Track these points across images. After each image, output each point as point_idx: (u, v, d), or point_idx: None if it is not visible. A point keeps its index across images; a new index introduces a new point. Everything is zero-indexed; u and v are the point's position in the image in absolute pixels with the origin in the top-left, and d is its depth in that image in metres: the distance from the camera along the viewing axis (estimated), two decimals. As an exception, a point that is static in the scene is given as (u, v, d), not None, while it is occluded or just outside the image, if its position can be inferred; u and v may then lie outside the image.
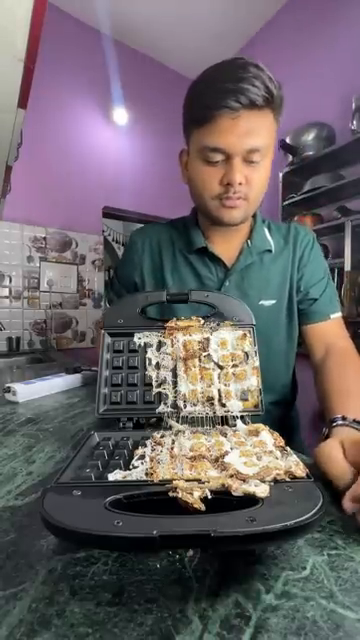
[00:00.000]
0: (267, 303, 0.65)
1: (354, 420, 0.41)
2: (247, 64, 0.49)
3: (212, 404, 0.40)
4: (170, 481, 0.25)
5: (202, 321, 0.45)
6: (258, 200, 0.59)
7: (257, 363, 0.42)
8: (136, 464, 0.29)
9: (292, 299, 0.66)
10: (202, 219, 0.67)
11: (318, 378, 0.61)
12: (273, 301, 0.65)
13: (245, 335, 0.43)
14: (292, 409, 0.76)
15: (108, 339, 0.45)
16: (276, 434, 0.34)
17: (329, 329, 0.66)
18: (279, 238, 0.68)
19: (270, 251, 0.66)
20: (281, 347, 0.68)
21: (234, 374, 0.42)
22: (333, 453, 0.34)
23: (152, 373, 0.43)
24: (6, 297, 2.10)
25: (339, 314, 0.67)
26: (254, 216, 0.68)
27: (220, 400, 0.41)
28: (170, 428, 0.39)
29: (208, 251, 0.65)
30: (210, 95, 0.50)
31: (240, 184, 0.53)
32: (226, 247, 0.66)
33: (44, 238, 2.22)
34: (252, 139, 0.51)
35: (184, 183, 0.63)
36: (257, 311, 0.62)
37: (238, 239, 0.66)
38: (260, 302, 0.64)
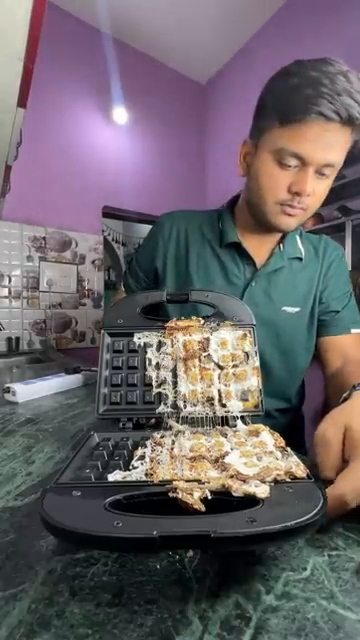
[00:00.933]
0: (290, 310, 0.64)
1: None
2: (350, 72, 0.45)
3: (212, 404, 0.40)
4: (170, 482, 0.25)
5: (202, 321, 0.45)
6: (313, 212, 0.58)
7: (257, 363, 0.42)
8: (136, 464, 0.29)
9: (314, 310, 0.66)
10: (243, 215, 0.64)
11: (332, 382, 0.60)
12: (297, 309, 0.64)
13: (245, 335, 0.43)
14: (297, 413, 0.76)
15: (108, 339, 0.45)
16: (276, 434, 0.34)
17: (349, 342, 0.64)
18: (309, 247, 0.67)
19: (300, 259, 0.65)
20: (298, 355, 0.67)
21: (234, 374, 0.42)
22: (327, 435, 0.32)
23: (152, 373, 0.43)
24: (6, 297, 2.10)
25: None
26: None
27: (220, 400, 0.40)
28: (170, 428, 0.39)
29: (241, 247, 0.63)
30: (309, 96, 0.45)
31: (308, 195, 0.52)
32: (258, 248, 0.64)
33: (44, 238, 2.22)
34: (332, 154, 0.49)
35: (241, 175, 0.60)
36: (279, 317, 0.63)
37: (270, 242, 0.65)
38: (283, 308, 0.63)
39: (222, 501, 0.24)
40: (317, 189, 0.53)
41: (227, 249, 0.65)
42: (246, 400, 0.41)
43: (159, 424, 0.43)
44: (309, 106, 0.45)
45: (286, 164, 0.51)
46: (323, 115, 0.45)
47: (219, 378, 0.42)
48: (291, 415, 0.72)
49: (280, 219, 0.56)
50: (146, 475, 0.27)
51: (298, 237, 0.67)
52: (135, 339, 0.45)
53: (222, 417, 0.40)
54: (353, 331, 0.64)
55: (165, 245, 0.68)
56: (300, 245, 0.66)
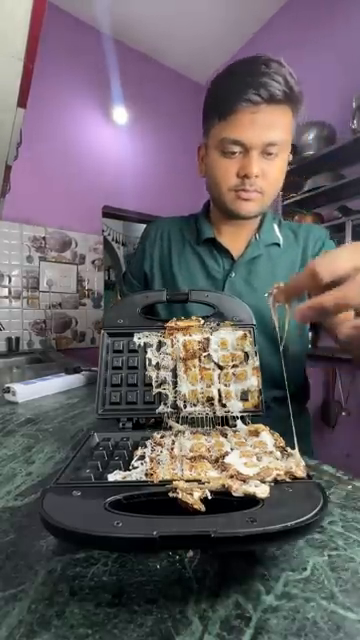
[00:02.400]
0: None
1: None
2: (269, 60, 0.50)
3: (212, 404, 0.40)
4: (170, 482, 0.25)
5: (202, 321, 0.45)
6: (273, 194, 0.59)
7: (257, 363, 0.42)
8: (136, 464, 0.29)
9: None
10: (214, 212, 0.68)
11: None
12: None
13: (245, 335, 0.43)
14: (302, 413, 0.75)
15: (108, 339, 0.45)
16: (276, 434, 0.34)
17: None
18: (289, 233, 0.68)
19: (278, 245, 0.66)
20: (289, 339, 0.67)
21: (234, 374, 0.42)
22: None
23: (152, 373, 0.43)
24: (6, 297, 2.10)
25: None
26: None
27: (220, 400, 0.40)
28: (170, 428, 0.39)
29: (216, 242, 0.66)
30: (232, 89, 0.51)
31: (257, 177, 0.54)
32: (234, 240, 0.67)
33: (44, 238, 2.22)
34: (271, 133, 0.52)
35: (201, 177, 0.65)
36: (263, 304, 0.63)
37: (247, 233, 0.67)
38: (266, 294, 0.65)
39: (222, 501, 0.24)
40: (267, 170, 0.55)
41: (205, 246, 0.68)
42: (246, 400, 0.40)
43: (159, 424, 0.43)
44: (236, 96, 0.50)
45: (230, 152, 0.54)
46: (249, 100, 0.50)
47: (219, 378, 0.42)
48: (292, 407, 0.70)
49: (237, 205, 0.58)
50: (146, 475, 0.27)
51: (276, 225, 0.69)
52: (135, 339, 0.45)
53: (222, 417, 0.40)
54: None
55: (151, 250, 0.73)
56: (277, 232, 0.68)
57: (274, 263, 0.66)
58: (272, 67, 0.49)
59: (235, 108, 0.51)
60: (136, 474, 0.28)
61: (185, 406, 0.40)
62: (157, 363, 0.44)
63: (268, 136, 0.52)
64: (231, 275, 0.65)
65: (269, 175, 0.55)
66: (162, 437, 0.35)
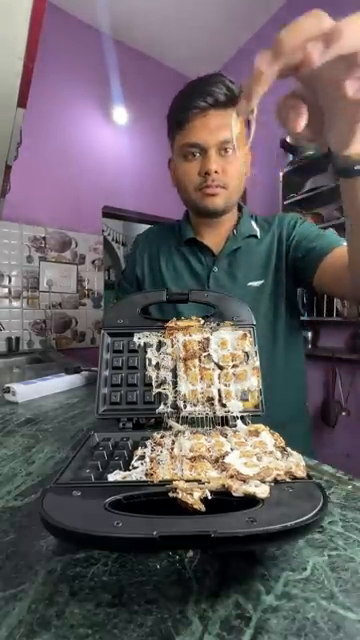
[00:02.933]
0: (255, 284, 0.68)
1: None
2: (212, 75, 0.61)
3: (212, 404, 0.40)
4: (170, 482, 0.25)
5: (202, 321, 0.45)
6: (237, 188, 0.65)
7: (257, 363, 0.42)
8: (136, 464, 0.29)
9: (279, 278, 0.69)
10: (192, 215, 0.75)
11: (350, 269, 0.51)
12: (261, 281, 0.68)
13: (245, 335, 0.43)
14: (301, 413, 0.74)
15: (108, 339, 0.45)
16: (276, 434, 0.34)
17: (340, 253, 0.57)
18: (264, 224, 0.73)
19: (255, 236, 0.71)
20: (276, 323, 0.68)
21: (234, 374, 0.42)
22: None
23: (152, 373, 0.43)
24: (6, 297, 2.09)
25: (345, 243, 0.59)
26: (240, 209, 0.74)
27: (220, 400, 0.40)
28: (170, 428, 0.39)
29: (197, 241, 0.72)
30: (183, 101, 0.61)
31: (216, 172, 0.60)
32: (214, 238, 0.72)
33: (44, 238, 2.21)
34: (222, 133, 0.59)
35: (173, 186, 0.72)
36: (247, 293, 0.67)
37: (225, 230, 0.72)
38: (249, 284, 0.68)
39: (222, 501, 0.24)
40: (227, 167, 0.61)
41: (188, 246, 0.74)
42: (246, 400, 0.40)
43: (159, 424, 0.43)
44: (187, 105, 0.59)
45: (190, 154, 0.62)
46: (196, 107, 0.58)
47: (219, 378, 0.42)
48: (286, 395, 0.68)
49: (205, 201, 0.64)
50: (146, 475, 0.27)
51: (253, 221, 0.73)
52: (135, 339, 0.45)
53: (222, 417, 0.40)
54: (337, 249, 0.59)
55: (141, 256, 0.79)
56: (254, 226, 0.72)
57: (252, 253, 0.70)
58: (213, 78, 0.59)
59: (188, 116, 0.59)
60: (136, 474, 0.28)
61: (185, 406, 0.40)
62: (157, 363, 0.44)
63: (220, 135, 0.59)
64: (214, 270, 0.69)
65: (229, 171, 0.61)
66: (162, 437, 0.35)
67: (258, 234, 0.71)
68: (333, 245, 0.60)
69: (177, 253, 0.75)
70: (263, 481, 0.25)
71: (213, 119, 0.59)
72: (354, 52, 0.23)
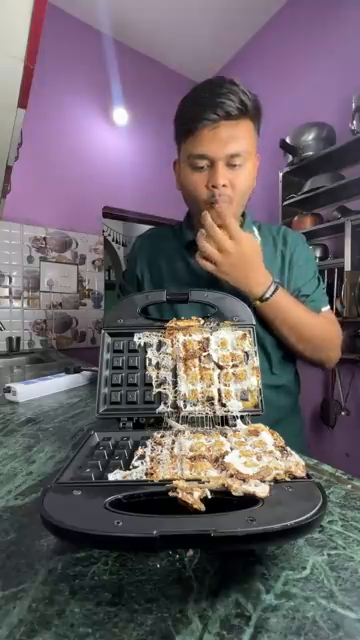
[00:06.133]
0: None
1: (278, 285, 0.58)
2: (224, 81, 0.57)
3: (212, 404, 0.40)
4: (170, 481, 0.25)
5: (202, 321, 0.45)
6: (242, 202, 0.65)
7: (257, 363, 0.42)
8: (136, 464, 0.29)
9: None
10: (195, 218, 0.72)
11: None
12: None
13: (245, 335, 0.43)
14: (293, 410, 0.75)
15: (108, 339, 0.45)
16: (276, 434, 0.34)
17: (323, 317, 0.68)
18: (267, 234, 0.73)
19: None
20: (260, 334, 0.68)
21: (234, 374, 0.42)
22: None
23: (152, 373, 0.43)
24: (6, 297, 2.10)
25: (328, 307, 0.71)
26: (244, 215, 0.73)
27: (220, 400, 0.40)
28: (170, 428, 0.39)
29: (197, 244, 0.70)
30: (192, 111, 0.58)
31: (224, 186, 0.59)
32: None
33: (44, 238, 2.22)
34: (232, 145, 0.57)
35: (178, 189, 0.70)
36: (243, 299, 0.67)
37: None
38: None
39: (222, 500, 0.24)
40: (235, 180, 0.60)
41: (189, 249, 0.72)
42: (246, 400, 0.41)
43: (159, 423, 0.43)
44: (198, 116, 0.57)
45: (198, 166, 0.60)
46: (206, 119, 0.56)
47: (219, 378, 0.42)
48: (283, 397, 0.72)
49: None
50: (146, 474, 0.27)
51: (255, 228, 0.73)
52: (135, 339, 0.45)
53: (222, 417, 0.40)
54: (323, 309, 0.69)
55: (142, 257, 0.79)
56: (257, 234, 0.72)
57: None
58: (226, 87, 0.56)
59: (197, 126, 0.57)
60: (136, 473, 0.28)
61: (185, 406, 0.40)
62: (157, 363, 0.44)
63: (230, 148, 0.57)
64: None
65: (237, 185, 0.60)
66: (162, 437, 0.35)
67: (259, 242, 0.69)
68: (320, 307, 0.68)
69: (178, 256, 0.74)
70: (263, 480, 0.25)
71: (224, 131, 0.57)
72: None
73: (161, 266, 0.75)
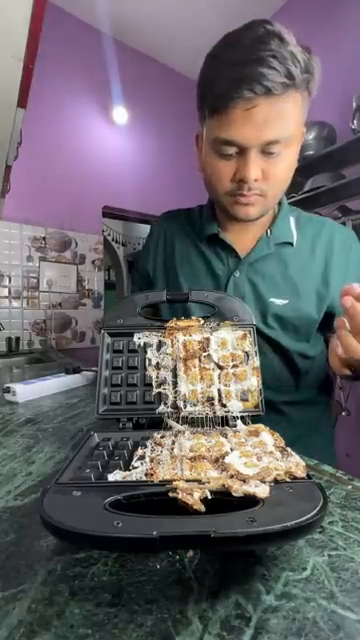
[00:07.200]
0: (278, 302, 0.58)
1: None
2: (269, 36, 0.41)
3: (212, 404, 0.40)
4: (170, 482, 0.25)
5: (202, 321, 0.45)
6: (277, 196, 0.54)
7: (257, 363, 0.42)
8: (136, 464, 0.29)
9: (309, 302, 0.58)
10: (218, 209, 0.63)
11: None
12: (285, 301, 0.58)
13: (245, 335, 0.43)
14: (324, 418, 0.68)
15: (108, 339, 0.45)
16: (276, 434, 0.34)
17: None
18: (307, 232, 0.60)
19: (291, 244, 0.59)
20: (286, 347, 0.60)
21: (234, 374, 0.42)
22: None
23: (152, 373, 0.43)
24: (5, 297, 2.09)
25: None
26: (280, 203, 0.61)
27: (220, 400, 0.40)
28: (170, 428, 0.39)
29: (219, 239, 0.60)
30: (223, 82, 0.43)
31: (256, 180, 0.48)
32: (241, 237, 0.61)
33: (43, 238, 2.21)
34: (270, 130, 0.44)
35: (199, 171, 0.57)
36: (267, 308, 0.58)
37: (257, 229, 0.60)
38: (270, 299, 0.58)
39: (222, 501, 0.24)
40: (269, 171, 0.48)
41: (208, 243, 0.63)
42: (246, 400, 0.40)
43: (159, 424, 0.43)
44: (227, 92, 0.43)
45: (225, 153, 0.48)
46: (240, 97, 0.42)
47: (219, 378, 0.42)
48: (307, 411, 0.64)
49: (236, 209, 0.53)
50: (146, 475, 0.27)
51: (293, 219, 0.61)
52: (135, 339, 0.45)
53: (222, 417, 0.40)
54: None
55: (154, 251, 0.70)
56: (293, 229, 0.60)
57: (285, 265, 0.59)
58: (270, 48, 0.41)
59: (227, 105, 0.43)
60: (136, 474, 0.28)
61: (185, 406, 0.40)
62: (157, 363, 0.44)
63: (267, 134, 0.44)
64: (235, 275, 0.59)
65: (271, 177, 0.48)
66: (162, 437, 0.35)
67: (294, 241, 0.59)
68: None
69: (195, 250, 0.64)
70: (263, 481, 0.25)
71: (262, 111, 0.43)
72: None
73: (176, 264, 0.66)
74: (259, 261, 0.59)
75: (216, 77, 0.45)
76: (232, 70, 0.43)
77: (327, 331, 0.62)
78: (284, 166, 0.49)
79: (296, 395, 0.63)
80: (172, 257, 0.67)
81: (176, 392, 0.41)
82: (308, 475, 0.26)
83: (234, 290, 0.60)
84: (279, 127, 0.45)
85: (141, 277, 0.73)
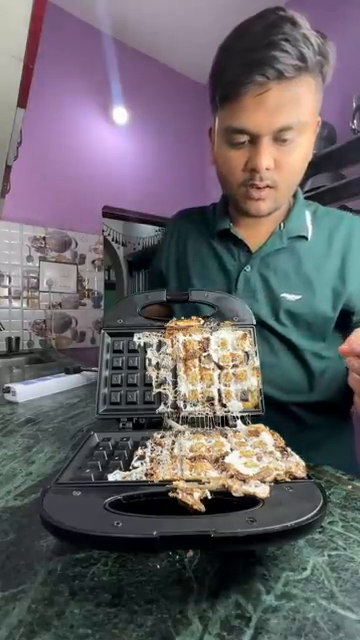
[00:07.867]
0: (290, 297, 0.56)
1: None
2: (281, 20, 0.41)
3: (212, 404, 0.40)
4: (170, 482, 0.25)
5: (202, 321, 0.45)
6: (291, 188, 0.52)
7: (257, 363, 0.42)
8: (136, 464, 0.29)
9: (324, 299, 0.56)
10: (231, 202, 0.61)
11: None
12: (298, 296, 0.55)
13: (245, 335, 0.43)
14: (344, 422, 0.64)
15: (108, 339, 0.45)
16: (276, 434, 0.34)
17: None
18: (324, 226, 0.58)
19: (305, 238, 0.57)
20: (299, 346, 0.57)
21: (234, 374, 0.42)
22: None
23: (152, 373, 0.43)
24: (5, 297, 2.09)
25: None
26: (294, 195, 0.59)
27: (220, 400, 0.40)
28: (170, 428, 0.39)
29: (231, 234, 0.59)
30: (234, 69, 0.43)
31: (268, 169, 0.47)
32: (253, 231, 0.60)
33: (44, 238, 2.21)
34: (283, 115, 0.43)
35: (212, 164, 0.56)
36: (279, 303, 0.56)
37: (270, 223, 0.59)
38: (282, 295, 0.56)
39: (222, 501, 0.24)
40: (282, 160, 0.47)
41: (220, 238, 0.62)
42: (246, 400, 0.40)
43: (159, 424, 0.43)
44: (237, 77, 0.42)
45: (236, 142, 0.47)
46: (251, 83, 0.41)
47: (219, 378, 0.42)
48: (323, 415, 0.61)
49: (247, 204, 0.52)
50: (146, 475, 0.27)
51: (308, 213, 0.59)
52: (135, 339, 0.45)
53: (222, 417, 0.40)
54: None
55: (168, 247, 0.70)
56: (308, 223, 0.58)
57: (299, 260, 0.57)
58: (283, 32, 0.40)
59: (239, 92, 0.42)
60: (136, 474, 0.28)
61: (185, 406, 0.40)
62: (157, 363, 0.44)
63: (280, 120, 0.43)
64: (246, 269, 0.58)
65: (284, 166, 0.47)
66: (162, 437, 0.35)
67: (309, 235, 0.57)
68: None
69: (207, 247, 0.64)
70: (263, 481, 0.25)
71: (274, 96, 0.42)
72: None
73: (188, 261, 0.65)
74: (271, 255, 0.58)
75: (227, 65, 0.44)
76: (243, 56, 0.42)
77: (345, 330, 0.58)
78: (298, 155, 0.48)
79: (310, 397, 0.59)
80: (185, 256, 0.66)
81: (176, 392, 0.41)
82: (308, 475, 0.26)
83: (245, 285, 0.58)
84: (292, 112, 0.43)
85: (155, 276, 0.73)
